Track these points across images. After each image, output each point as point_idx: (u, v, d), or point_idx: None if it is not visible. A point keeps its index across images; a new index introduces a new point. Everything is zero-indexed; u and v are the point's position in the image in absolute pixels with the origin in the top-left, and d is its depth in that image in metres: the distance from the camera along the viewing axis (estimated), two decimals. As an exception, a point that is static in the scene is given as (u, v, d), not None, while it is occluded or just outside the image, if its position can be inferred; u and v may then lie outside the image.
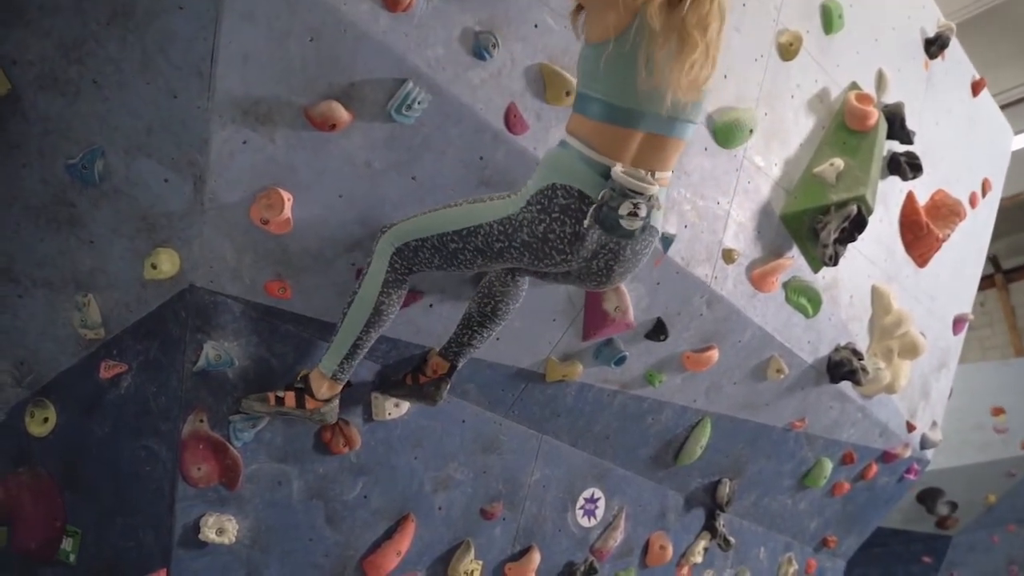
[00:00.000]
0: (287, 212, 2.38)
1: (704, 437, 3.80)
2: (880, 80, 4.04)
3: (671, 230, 3.10)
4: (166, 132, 2.27)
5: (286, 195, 2.38)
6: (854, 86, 3.86)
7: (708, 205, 3.24)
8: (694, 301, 3.33)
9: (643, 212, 2.01)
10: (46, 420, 2.61)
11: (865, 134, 3.76)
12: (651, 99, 1.95)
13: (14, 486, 2.65)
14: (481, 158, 2.62)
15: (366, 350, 2.40)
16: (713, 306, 3.39)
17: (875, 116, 3.75)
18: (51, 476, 2.63)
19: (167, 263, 2.36)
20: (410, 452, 2.93)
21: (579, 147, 2.02)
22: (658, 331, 3.30)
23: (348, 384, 2.52)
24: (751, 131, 3.28)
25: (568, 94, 2.68)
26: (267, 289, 2.51)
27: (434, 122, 2.49)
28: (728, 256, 3.36)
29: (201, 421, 2.45)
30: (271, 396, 2.46)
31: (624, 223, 2.00)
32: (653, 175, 2.03)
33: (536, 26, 2.63)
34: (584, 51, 2.04)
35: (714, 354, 3.50)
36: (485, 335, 2.60)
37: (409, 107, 2.41)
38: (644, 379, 3.46)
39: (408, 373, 2.72)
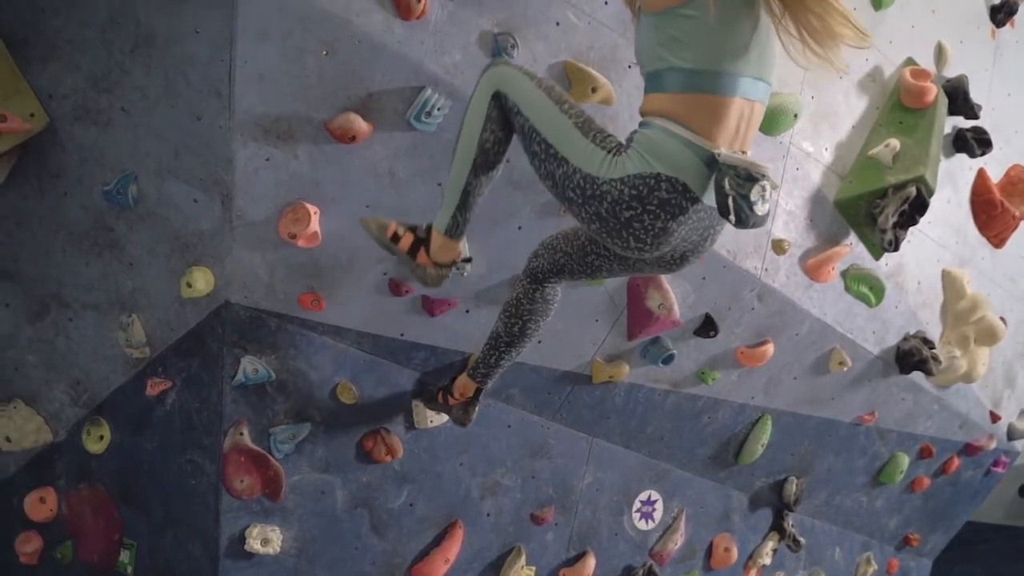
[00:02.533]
0: (314, 226, 2.40)
1: (765, 435, 3.68)
2: (940, 53, 3.83)
3: (714, 223, 3.01)
4: (192, 154, 2.33)
5: (312, 209, 2.41)
6: (910, 62, 3.67)
7: (753, 195, 3.13)
8: (744, 295, 3.22)
9: (769, 195, 1.79)
10: (101, 437, 2.71)
11: (923, 111, 3.57)
12: (741, 58, 1.78)
13: (76, 502, 2.77)
14: (508, 160, 2.58)
15: (478, 200, 2.15)
16: (765, 299, 3.28)
17: (933, 92, 3.56)
18: (108, 491, 2.73)
19: (201, 281, 2.42)
20: (455, 459, 2.93)
21: (675, 128, 1.80)
22: (707, 327, 3.21)
23: (469, 259, 2.37)
24: (796, 116, 3.15)
25: (594, 90, 2.63)
26: (301, 302, 2.54)
27: (456, 128, 2.47)
28: (779, 247, 3.24)
29: (241, 434, 2.50)
30: (392, 227, 2.29)
31: (758, 209, 1.76)
32: (745, 155, 1.83)
33: (558, 24, 2.59)
34: (648, 23, 1.84)
35: (769, 349, 3.38)
36: (513, 355, 2.44)
37: (429, 114, 2.40)
38: (696, 377, 3.37)
39: (440, 390, 2.68)
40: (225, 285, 2.45)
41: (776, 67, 1.92)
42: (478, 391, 2.58)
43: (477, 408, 2.60)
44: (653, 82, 1.88)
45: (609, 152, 1.85)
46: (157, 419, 2.61)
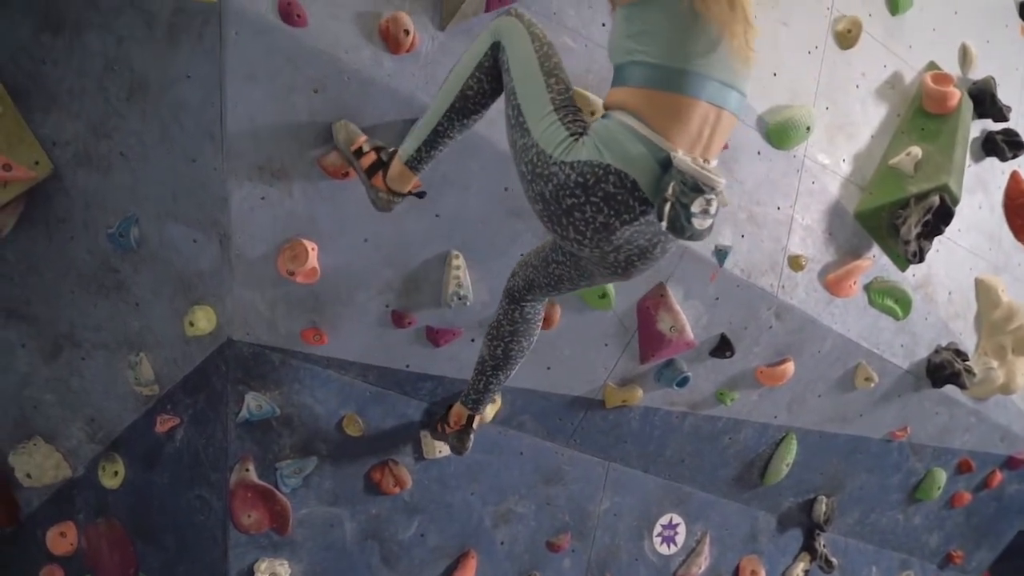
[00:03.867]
0: (312, 262, 2.41)
1: (790, 454, 3.58)
2: (964, 55, 3.72)
3: (725, 242, 2.95)
4: (189, 196, 2.36)
5: (310, 245, 2.42)
6: (932, 66, 3.56)
7: (766, 211, 3.06)
8: (761, 314, 3.15)
9: (714, 209, 1.71)
10: (116, 473, 2.75)
11: (946, 117, 3.45)
12: (709, 59, 1.72)
13: (94, 536, 2.82)
14: (506, 189, 2.57)
15: (447, 142, 2.11)
16: (783, 317, 3.20)
17: (956, 96, 3.44)
18: (124, 526, 2.77)
19: (203, 320, 2.44)
20: (466, 488, 2.91)
21: (633, 123, 1.74)
22: (723, 348, 3.14)
23: (422, 194, 2.28)
24: (808, 128, 3.07)
25: (592, 114, 2.59)
26: (303, 337, 2.55)
27: (452, 158, 2.45)
28: (795, 263, 3.16)
29: (247, 470, 2.52)
30: (359, 142, 2.24)
31: (696, 223, 1.68)
32: (708, 163, 1.76)
33: (554, 48, 2.56)
34: (620, 15, 1.80)
35: (790, 367, 3.29)
36: (501, 378, 2.44)
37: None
38: (715, 398, 3.30)
39: (439, 420, 2.69)
40: (227, 323, 2.47)
41: (749, 76, 1.85)
42: (471, 418, 2.57)
43: (472, 436, 2.58)
44: (618, 75, 1.83)
45: (572, 135, 1.79)
46: (167, 455, 2.65)
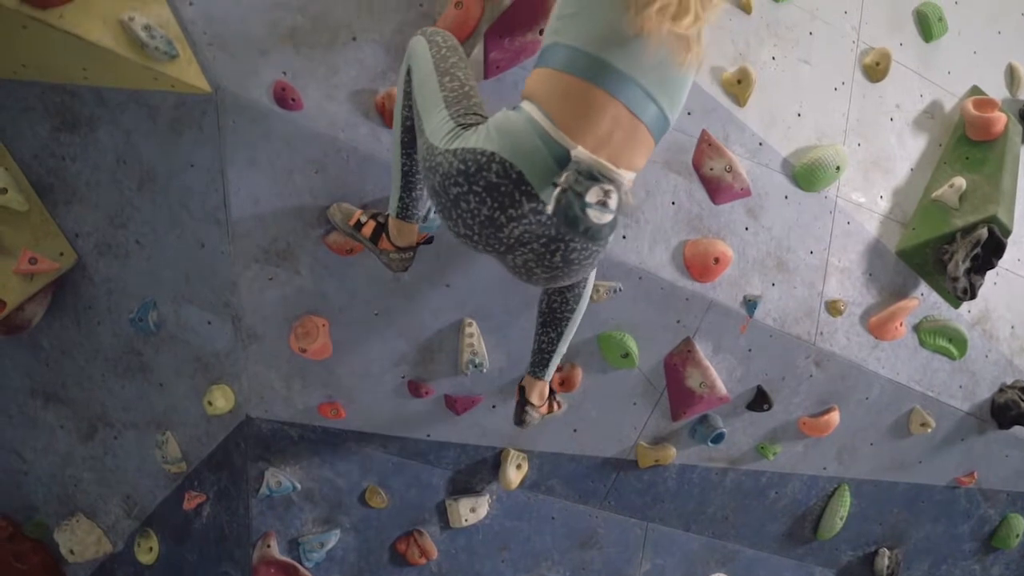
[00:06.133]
0: (322, 339, 2.43)
1: (843, 506, 3.40)
2: (1012, 76, 3.52)
3: (754, 291, 2.84)
4: (201, 279, 2.41)
5: (321, 321, 2.43)
6: (975, 91, 3.38)
7: (797, 257, 2.94)
8: (799, 363, 3.01)
9: (613, 203, 1.57)
10: (151, 549, 2.81)
11: (992, 143, 3.26)
12: (638, 60, 1.63)
13: (134, 611, 2.87)
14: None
15: (419, 183, 2.07)
16: (824, 365, 3.05)
17: (1002, 121, 3.25)
18: (160, 602, 2.82)
19: (221, 399, 2.48)
20: (496, 556, 2.86)
21: (537, 116, 1.64)
22: (760, 401, 3.01)
23: (429, 239, 2.28)
24: (838, 168, 2.95)
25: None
26: (321, 411, 2.56)
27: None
28: (833, 308, 3.02)
29: (269, 546, 2.53)
30: (356, 216, 2.26)
31: (591, 214, 1.54)
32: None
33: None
34: None
35: (835, 417, 3.13)
36: (552, 336, 2.25)
37: (426, 216, 2.39)
38: (756, 452, 3.16)
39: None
40: (245, 401, 2.51)
41: (679, 106, 1.75)
42: (522, 389, 2.41)
43: (532, 410, 2.40)
44: (542, 55, 1.74)
45: (459, 126, 1.72)
46: (196, 531, 2.68)
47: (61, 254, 2.52)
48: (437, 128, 1.75)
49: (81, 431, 2.81)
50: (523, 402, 2.41)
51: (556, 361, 2.33)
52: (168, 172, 2.31)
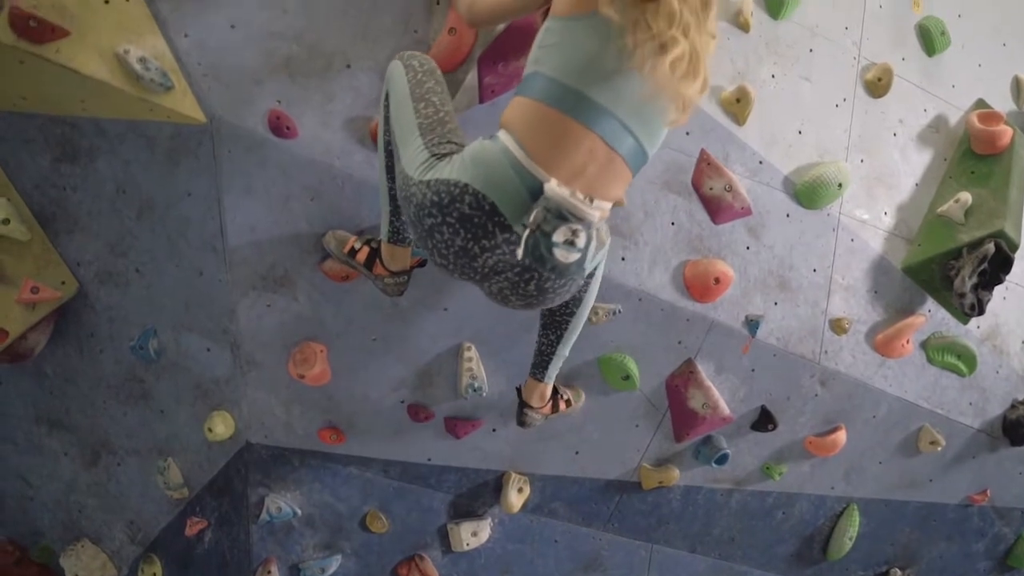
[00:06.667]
0: (320, 364, 2.43)
1: (853, 526, 3.36)
2: (1018, 88, 3.49)
3: (756, 311, 2.82)
4: (200, 307, 2.42)
5: (319, 347, 2.44)
6: (980, 104, 3.35)
7: (800, 275, 2.92)
8: (803, 382, 2.98)
9: (581, 242, 1.59)
10: (155, 574, 2.81)
11: (997, 157, 3.23)
12: (618, 94, 1.63)
13: (139, 637, 2.88)
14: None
15: None
16: (829, 384, 3.02)
17: (1007, 134, 3.21)
18: (164, 628, 2.82)
19: (221, 425, 2.49)
20: (499, 580, 2.84)
21: (512, 147, 1.65)
22: (765, 421, 2.99)
23: (422, 263, 2.26)
24: (840, 185, 2.92)
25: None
26: (321, 437, 2.57)
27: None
28: (838, 326, 2.99)
29: (269, 572, 2.53)
30: (350, 243, 2.27)
31: (558, 253, 1.57)
32: (592, 202, 1.63)
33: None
34: (544, 26, 1.72)
35: (841, 436, 3.10)
36: (551, 338, 2.25)
37: (423, 243, 2.39)
38: (761, 473, 3.13)
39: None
40: (245, 427, 2.51)
41: (659, 140, 1.75)
42: (518, 390, 2.42)
43: (532, 413, 2.41)
44: (522, 84, 1.74)
45: (434, 156, 1.73)
46: (198, 557, 2.69)
47: (63, 283, 2.54)
48: (412, 158, 1.76)
49: (85, 457, 2.83)
50: (522, 404, 2.42)
51: (557, 364, 2.32)
52: (166, 201, 2.33)
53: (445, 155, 1.73)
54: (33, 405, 2.79)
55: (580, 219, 1.57)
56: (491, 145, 1.67)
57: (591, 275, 2.08)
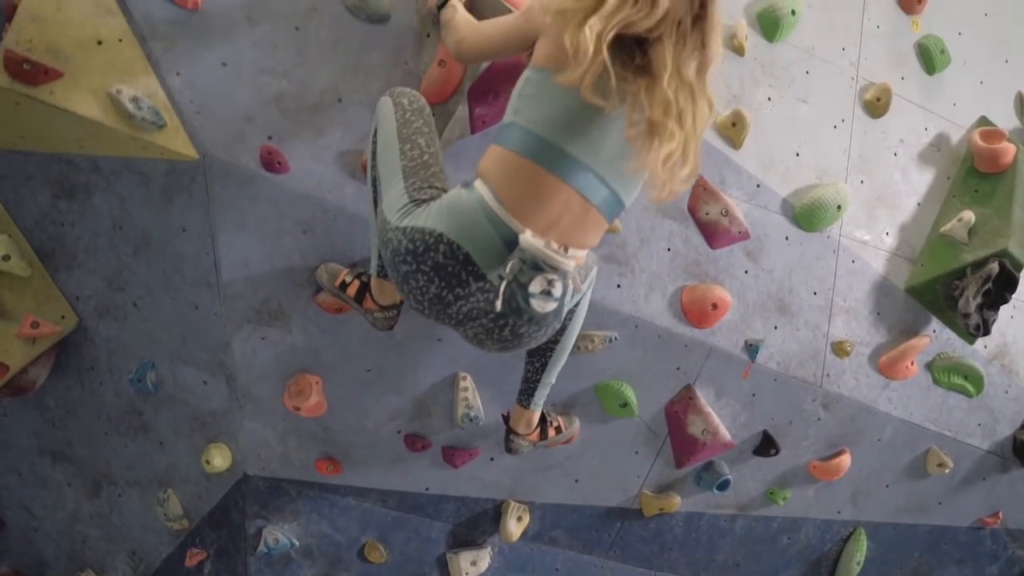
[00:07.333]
0: (315, 396, 2.44)
1: (860, 551, 3.31)
2: (1022, 105, 3.45)
3: (755, 335, 2.80)
4: (195, 340, 2.44)
5: (314, 379, 2.45)
6: (983, 122, 3.32)
7: (800, 299, 2.89)
8: (805, 406, 2.95)
9: (557, 292, 1.61)
10: (157, 606, 2.83)
11: (1000, 175, 3.19)
12: (596, 150, 1.64)
13: (142, 668, 2.89)
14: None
15: None
16: (832, 407, 2.99)
17: (1010, 152, 3.18)
18: (166, 659, 2.83)
19: (218, 458, 2.50)
20: (500, 609, 2.83)
21: (488, 198, 1.66)
22: (767, 446, 2.96)
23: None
24: (840, 207, 2.90)
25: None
26: (318, 468, 2.57)
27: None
28: (840, 349, 2.96)
29: (268, 606, 2.53)
30: (341, 277, 2.28)
31: (535, 304, 1.59)
32: (566, 251, 1.66)
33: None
34: (524, 75, 1.74)
35: (846, 459, 3.06)
36: (536, 366, 2.25)
37: (416, 274, 2.40)
38: (765, 498, 3.10)
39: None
40: (242, 459, 2.53)
41: (635, 191, 1.76)
42: (505, 417, 2.43)
43: (519, 440, 2.41)
44: (498, 133, 1.75)
45: (412, 201, 1.74)
46: (199, 589, 2.70)
47: (63, 317, 2.57)
48: (392, 202, 1.77)
49: (87, 488, 2.85)
50: (508, 431, 2.42)
51: (543, 391, 2.32)
52: (161, 237, 2.36)
53: (424, 201, 1.74)
54: (36, 437, 2.82)
55: (555, 269, 1.59)
56: (467, 195, 1.69)
57: (577, 304, 2.08)
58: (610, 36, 1.55)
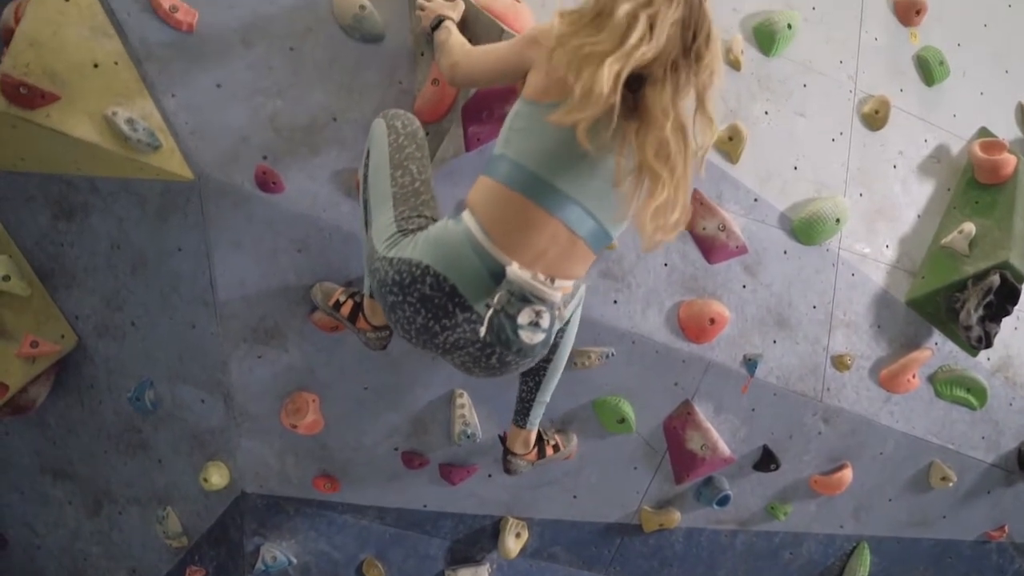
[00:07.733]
0: (312, 414, 2.45)
1: (864, 565, 3.29)
2: (1022, 115, 3.44)
3: (754, 350, 2.79)
4: (193, 359, 2.45)
5: (311, 397, 2.46)
6: (984, 133, 3.30)
7: (799, 313, 2.88)
8: (806, 420, 2.94)
9: (545, 323, 1.63)
10: (157, 624, 2.83)
11: (1002, 187, 3.17)
12: (578, 182, 1.65)
13: None
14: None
15: None
16: (833, 421, 2.97)
17: (1011, 163, 3.16)
18: (166, 677, 2.83)
19: (216, 476, 2.51)
20: (499, 625, 2.82)
21: (475, 230, 1.68)
22: (767, 460, 2.94)
23: None
24: (838, 220, 2.89)
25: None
26: (315, 485, 2.57)
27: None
28: (840, 363, 2.95)
29: (266, 623, 2.53)
30: (335, 296, 2.28)
31: (523, 335, 1.61)
32: (553, 282, 1.66)
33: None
34: (516, 107, 1.74)
35: (847, 474, 3.04)
36: (531, 384, 2.25)
37: (412, 291, 2.40)
38: (766, 513, 3.08)
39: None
40: (240, 477, 2.53)
41: (622, 225, 1.77)
42: (502, 438, 2.44)
43: (517, 460, 2.42)
44: (488, 164, 1.76)
45: (400, 231, 1.75)
46: (198, 607, 2.70)
47: (62, 336, 2.59)
48: (381, 230, 1.78)
49: (88, 506, 2.86)
50: (506, 451, 2.42)
51: (539, 410, 2.32)
52: (158, 257, 2.37)
53: (412, 231, 1.75)
54: (38, 455, 2.84)
55: (543, 300, 1.60)
56: (454, 227, 1.70)
57: (568, 322, 2.08)
58: (625, 76, 1.55)
